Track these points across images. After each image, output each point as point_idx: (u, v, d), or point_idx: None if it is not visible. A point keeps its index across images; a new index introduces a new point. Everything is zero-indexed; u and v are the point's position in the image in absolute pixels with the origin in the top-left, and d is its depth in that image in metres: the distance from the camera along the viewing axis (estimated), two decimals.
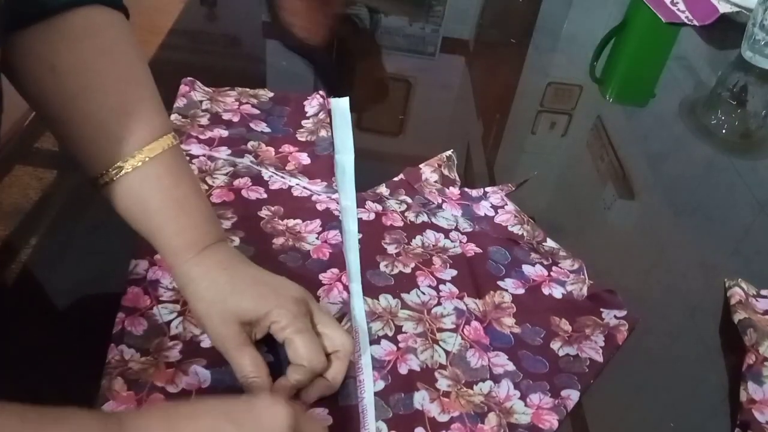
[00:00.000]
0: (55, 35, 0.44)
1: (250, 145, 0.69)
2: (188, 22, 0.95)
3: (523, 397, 0.49)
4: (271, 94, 0.77)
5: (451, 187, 0.68)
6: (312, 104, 0.76)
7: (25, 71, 0.45)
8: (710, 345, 0.57)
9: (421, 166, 0.70)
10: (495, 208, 0.66)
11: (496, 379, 0.50)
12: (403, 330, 0.52)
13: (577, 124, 0.87)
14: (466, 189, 0.68)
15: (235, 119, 0.72)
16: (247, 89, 0.77)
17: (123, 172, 0.45)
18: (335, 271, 0.56)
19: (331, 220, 0.61)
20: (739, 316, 0.57)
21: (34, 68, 0.44)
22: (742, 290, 0.60)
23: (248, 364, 0.45)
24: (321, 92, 0.77)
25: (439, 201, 0.66)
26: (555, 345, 0.53)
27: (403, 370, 0.49)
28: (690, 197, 0.76)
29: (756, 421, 0.49)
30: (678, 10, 1.12)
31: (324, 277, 0.55)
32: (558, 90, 0.92)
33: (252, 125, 0.72)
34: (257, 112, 0.74)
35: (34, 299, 0.52)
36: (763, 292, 0.60)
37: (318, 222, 0.61)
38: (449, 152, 0.72)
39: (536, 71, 0.98)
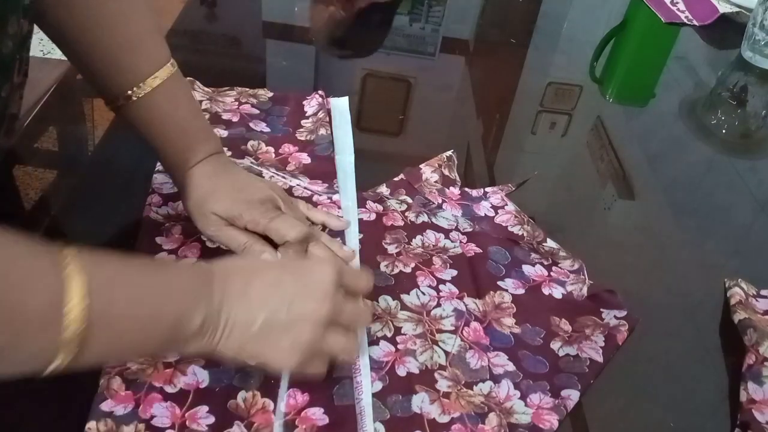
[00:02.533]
0: None
1: (250, 145, 0.69)
2: (188, 22, 0.95)
3: (523, 397, 0.49)
4: (271, 94, 0.77)
5: (451, 187, 0.68)
6: (311, 104, 0.76)
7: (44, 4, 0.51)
8: (710, 345, 0.57)
9: (421, 166, 0.70)
10: (495, 208, 0.66)
11: (496, 379, 0.50)
12: (402, 331, 0.52)
13: (577, 124, 0.87)
14: (467, 189, 0.68)
15: (235, 119, 0.72)
16: (247, 89, 0.78)
17: (131, 100, 0.53)
18: None
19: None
20: (739, 316, 0.57)
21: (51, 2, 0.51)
22: (742, 290, 0.60)
23: (235, 235, 0.54)
24: (320, 92, 0.78)
25: (440, 201, 0.66)
26: (555, 345, 0.53)
27: (401, 372, 0.49)
28: (690, 197, 0.76)
29: (756, 421, 0.48)
30: (678, 10, 1.12)
31: None
32: (558, 90, 0.92)
33: (251, 125, 0.72)
34: (257, 111, 0.74)
35: None
36: (763, 292, 0.60)
37: (319, 226, 0.61)
38: (449, 152, 0.72)
39: (536, 71, 0.98)
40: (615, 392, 0.52)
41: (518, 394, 0.49)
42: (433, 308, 0.55)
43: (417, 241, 0.61)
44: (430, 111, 0.85)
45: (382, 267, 0.58)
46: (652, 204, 0.74)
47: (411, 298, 0.55)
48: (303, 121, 0.74)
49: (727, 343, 0.56)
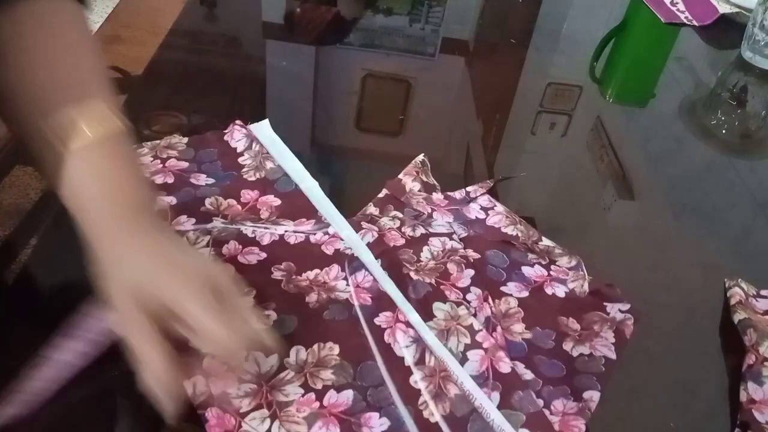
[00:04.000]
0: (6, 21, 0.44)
1: (209, 203, 0.61)
2: (188, 22, 0.95)
3: (547, 405, 0.48)
4: (186, 140, 0.68)
5: (434, 194, 0.67)
6: (235, 138, 0.69)
7: None
8: (710, 345, 0.57)
9: (400, 176, 0.68)
10: (485, 209, 0.66)
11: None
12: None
13: (577, 124, 0.87)
14: (449, 192, 0.67)
15: (170, 180, 0.63)
16: (158, 141, 0.68)
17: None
18: (388, 314, 0.53)
19: (348, 261, 0.57)
20: (739, 316, 0.57)
21: None
22: (742, 290, 0.60)
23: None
24: (238, 121, 0.70)
25: (429, 211, 0.65)
26: (567, 345, 0.53)
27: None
28: (690, 197, 0.76)
29: (756, 421, 0.48)
30: (678, 10, 1.12)
31: (380, 321, 0.52)
32: (558, 90, 0.92)
33: (192, 181, 0.64)
34: (186, 164, 0.65)
35: (34, 299, 0.52)
36: (763, 292, 0.60)
37: (336, 267, 0.56)
38: (421, 157, 0.71)
39: (536, 71, 0.98)
40: (615, 392, 0.51)
41: (541, 402, 0.48)
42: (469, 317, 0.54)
43: (425, 254, 0.59)
44: (430, 111, 0.85)
45: (411, 291, 0.55)
46: (652, 204, 0.74)
47: (446, 308, 0.54)
48: (240, 159, 0.67)
49: (727, 343, 0.56)
